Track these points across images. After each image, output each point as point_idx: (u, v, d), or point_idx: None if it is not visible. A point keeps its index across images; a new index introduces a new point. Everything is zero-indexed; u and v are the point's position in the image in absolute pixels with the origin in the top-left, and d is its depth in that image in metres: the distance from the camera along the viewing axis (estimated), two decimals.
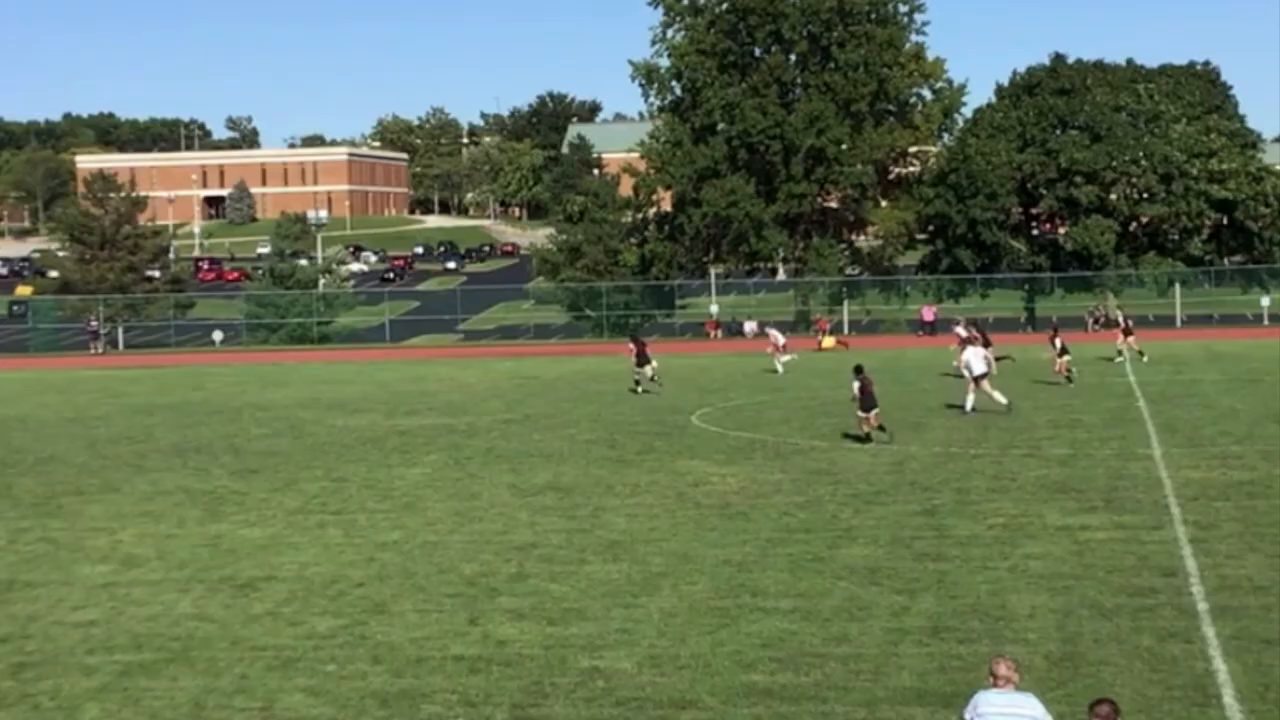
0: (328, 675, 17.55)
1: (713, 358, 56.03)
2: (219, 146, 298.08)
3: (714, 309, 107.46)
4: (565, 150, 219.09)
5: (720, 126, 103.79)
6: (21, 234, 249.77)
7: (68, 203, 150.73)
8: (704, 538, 25.13)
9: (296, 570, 23.39)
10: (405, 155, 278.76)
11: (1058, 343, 52.12)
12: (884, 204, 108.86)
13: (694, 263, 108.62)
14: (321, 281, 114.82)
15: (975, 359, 43.27)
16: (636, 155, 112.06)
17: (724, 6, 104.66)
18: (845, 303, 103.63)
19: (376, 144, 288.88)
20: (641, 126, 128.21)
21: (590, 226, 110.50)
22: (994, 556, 22.99)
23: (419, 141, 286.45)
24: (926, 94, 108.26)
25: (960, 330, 57.77)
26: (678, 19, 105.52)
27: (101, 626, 20.13)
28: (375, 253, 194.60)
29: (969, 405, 42.39)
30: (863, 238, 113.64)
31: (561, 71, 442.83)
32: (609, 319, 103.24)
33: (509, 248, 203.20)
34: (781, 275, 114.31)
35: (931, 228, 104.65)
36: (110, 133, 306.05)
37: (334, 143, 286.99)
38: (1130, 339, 61.01)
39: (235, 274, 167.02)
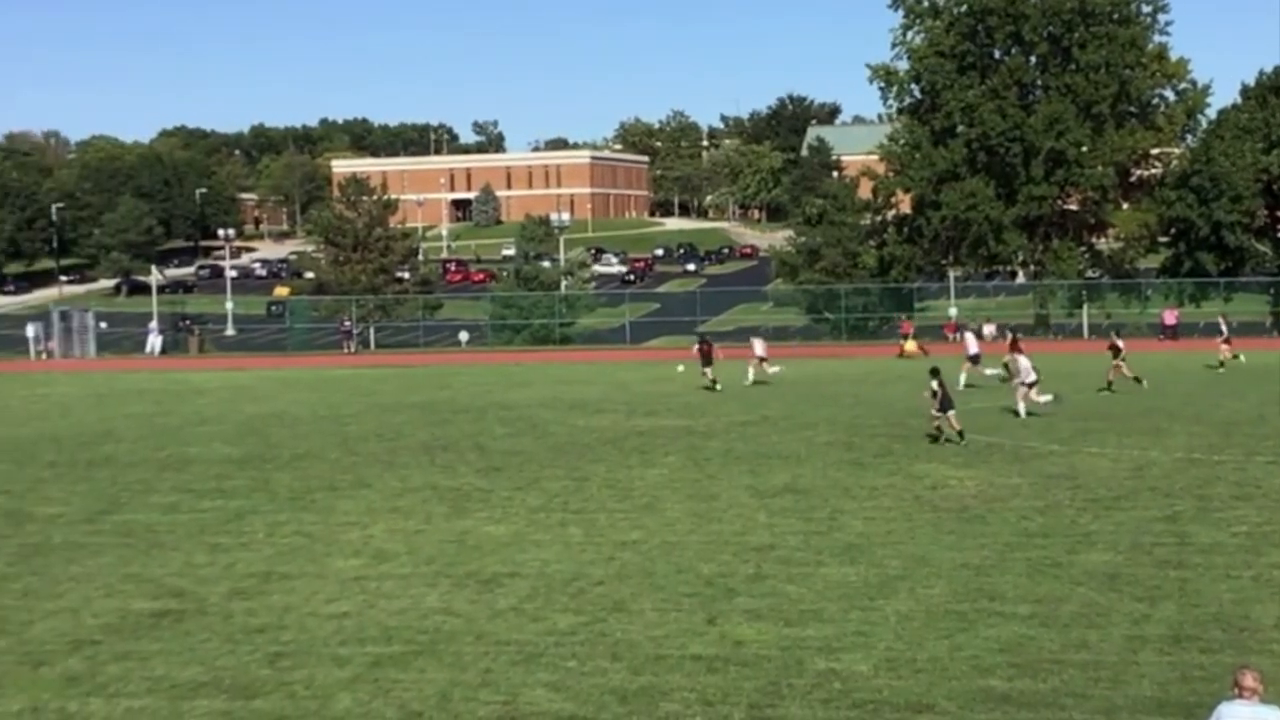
0: (569, 671, 17.76)
1: (954, 360, 55.37)
2: (466, 150, 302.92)
3: (953, 312, 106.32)
4: (804, 152, 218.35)
5: (960, 129, 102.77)
6: (280, 236, 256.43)
7: (323, 206, 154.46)
8: (941, 541, 24.92)
9: (538, 567, 23.69)
10: (646, 158, 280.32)
11: None
12: (1125, 206, 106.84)
13: (933, 265, 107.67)
14: (564, 283, 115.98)
15: (1025, 367, 44.35)
16: (875, 158, 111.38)
17: (963, 8, 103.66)
18: (1085, 306, 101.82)
19: (618, 147, 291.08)
20: (880, 129, 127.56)
21: (829, 229, 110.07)
22: (1237, 565, 22.46)
23: (659, 144, 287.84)
24: (1169, 95, 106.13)
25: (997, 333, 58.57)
26: (917, 21, 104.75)
27: (353, 619, 20.59)
28: (616, 255, 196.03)
29: (1023, 411, 43.50)
30: (1103, 240, 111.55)
31: (801, 74, 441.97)
32: (847, 321, 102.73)
33: (748, 250, 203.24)
34: (1021, 278, 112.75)
35: (1173, 230, 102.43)
36: (364, 138, 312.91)
37: (576, 146, 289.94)
38: None
39: (481, 275, 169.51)
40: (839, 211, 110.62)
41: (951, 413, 37.87)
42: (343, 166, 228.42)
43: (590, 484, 32.63)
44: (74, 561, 24.93)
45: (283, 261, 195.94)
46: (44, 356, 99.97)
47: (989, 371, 54.85)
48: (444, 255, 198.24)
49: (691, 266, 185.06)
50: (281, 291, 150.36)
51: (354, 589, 22.46)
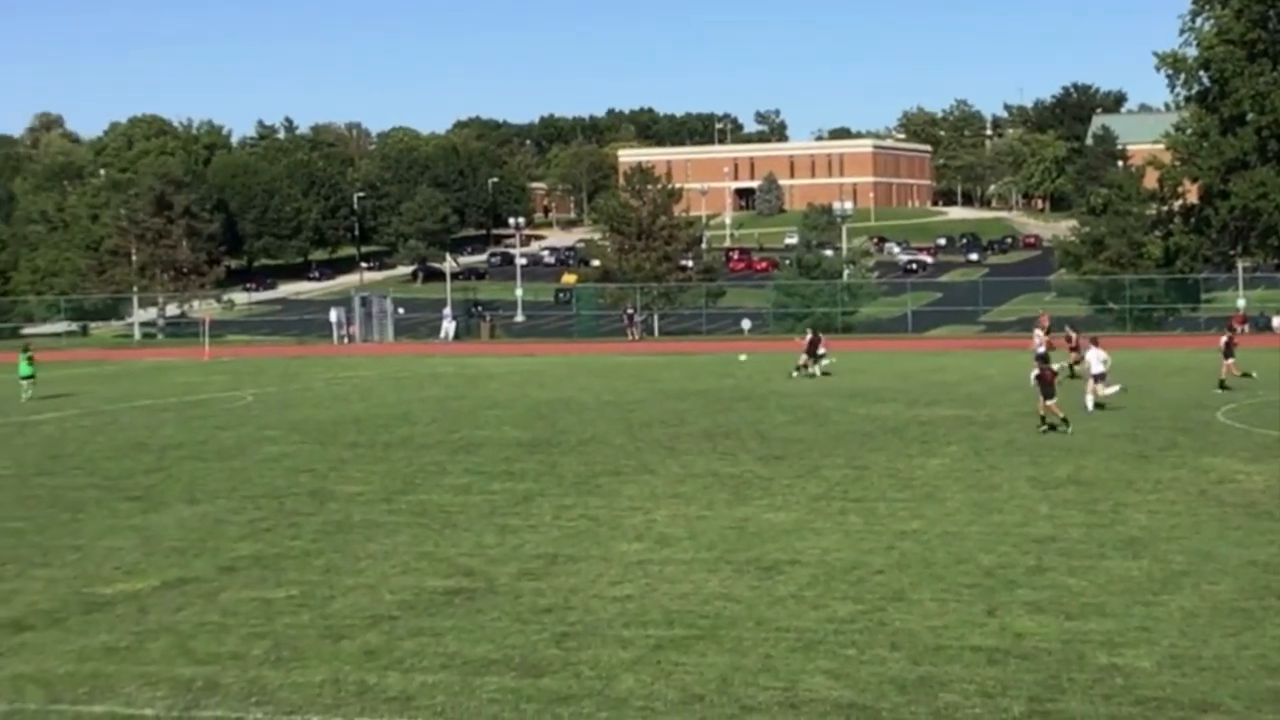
0: (848, 659, 17.70)
1: (1240, 353, 53.75)
2: (749, 140, 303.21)
3: (1241, 303, 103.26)
4: (1089, 141, 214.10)
5: (1250, 117, 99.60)
6: (568, 224, 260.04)
7: (609, 195, 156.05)
8: (1228, 537, 24.24)
9: (818, 555, 23.64)
10: (928, 147, 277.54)
11: None
12: None
13: (1220, 256, 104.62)
14: (846, 272, 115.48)
15: (1095, 360, 44.77)
16: (1161, 146, 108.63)
17: None
18: None
19: (901, 136, 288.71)
20: (1167, 117, 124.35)
21: (1114, 219, 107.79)
22: None
23: (942, 133, 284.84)
24: None
25: (1070, 333, 58.02)
26: (1206, 8, 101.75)
27: (636, 601, 20.79)
28: (898, 244, 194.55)
29: (1090, 405, 43.44)
30: None
31: (1086, 62, 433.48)
32: (1132, 312, 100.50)
33: (1031, 239, 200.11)
34: None
35: None
36: (649, 128, 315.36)
37: (859, 135, 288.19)
38: None
39: (764, 264, 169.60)
40: (1124, 201, 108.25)
41: (1054, 400, 38.88)
42: (629, 156, 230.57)
43: (871, 473, 32.47)
44: (372, 539, 25.64)
45: (570, 249, 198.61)
46: (346, 341, 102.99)
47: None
48: (726, 244, 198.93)
49: (974, 256, 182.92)
50: (569, 279, 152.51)
51: (637, 572, 22.68)
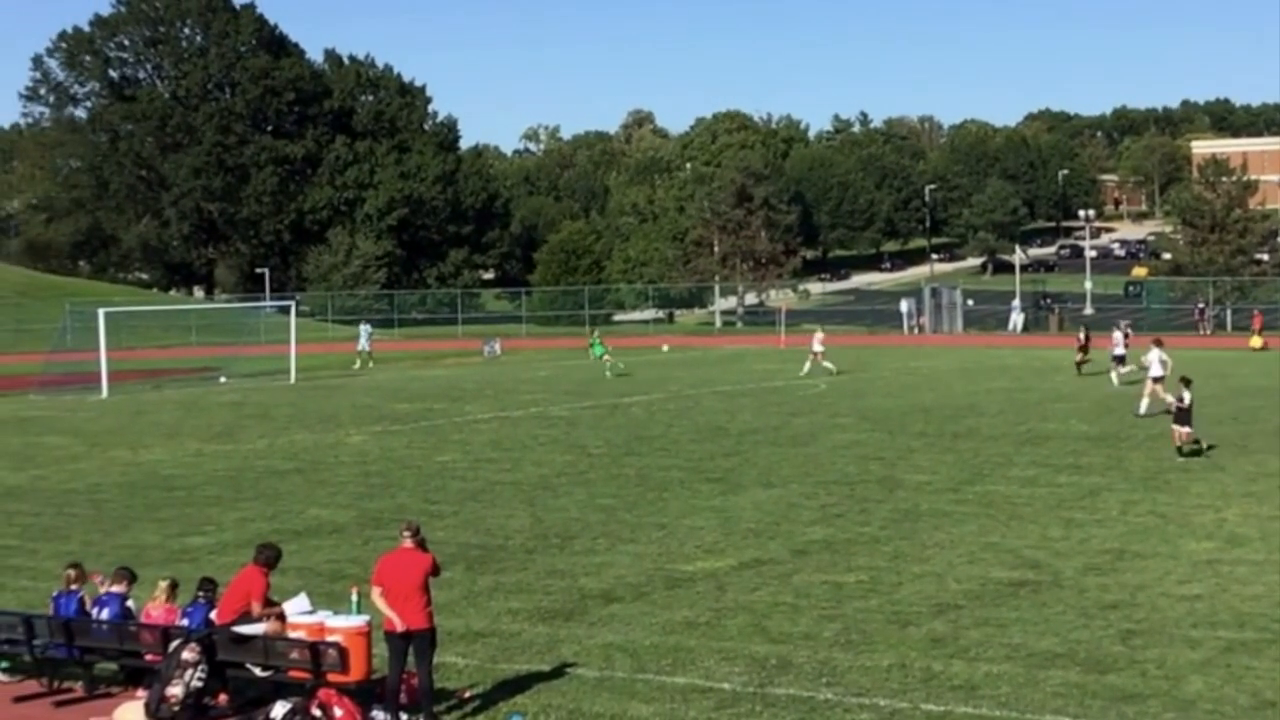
0: None
1: None
2: None
3: None
4: None
5: None
6: (1138, 217, 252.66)
7: (1181, 187, 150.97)
8: None
9: None
10: None
11: None
12: None
13: None
14: None
15: (1155, 362, 42.19)
16: None
17: None
18: None
19: None
20: None
21: None
22: None
23: None
24: None
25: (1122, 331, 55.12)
26: None
27: (1205, 601, 20.09)
28: None
29: (1143, 409, 41.43)
30: None
31: None
32: None
33: None
34: None
35: None
36: (1225, 118, 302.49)
37: None
38: None
39: None
40: None
41: (1186, 429, 33.98)
42: (1203, 147, 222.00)
43: None
44: (939, 528, 25.63)
45: (1141, 242, 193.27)
46: (915, 331, 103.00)
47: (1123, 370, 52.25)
48: None
49: None
50: (1139, 272, 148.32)
51: (1206, 572, 21.90)
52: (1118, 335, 56.39)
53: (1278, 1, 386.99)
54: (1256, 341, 79.55)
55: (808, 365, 60.56)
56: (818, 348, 61.08)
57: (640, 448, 37.63)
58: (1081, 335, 61.40)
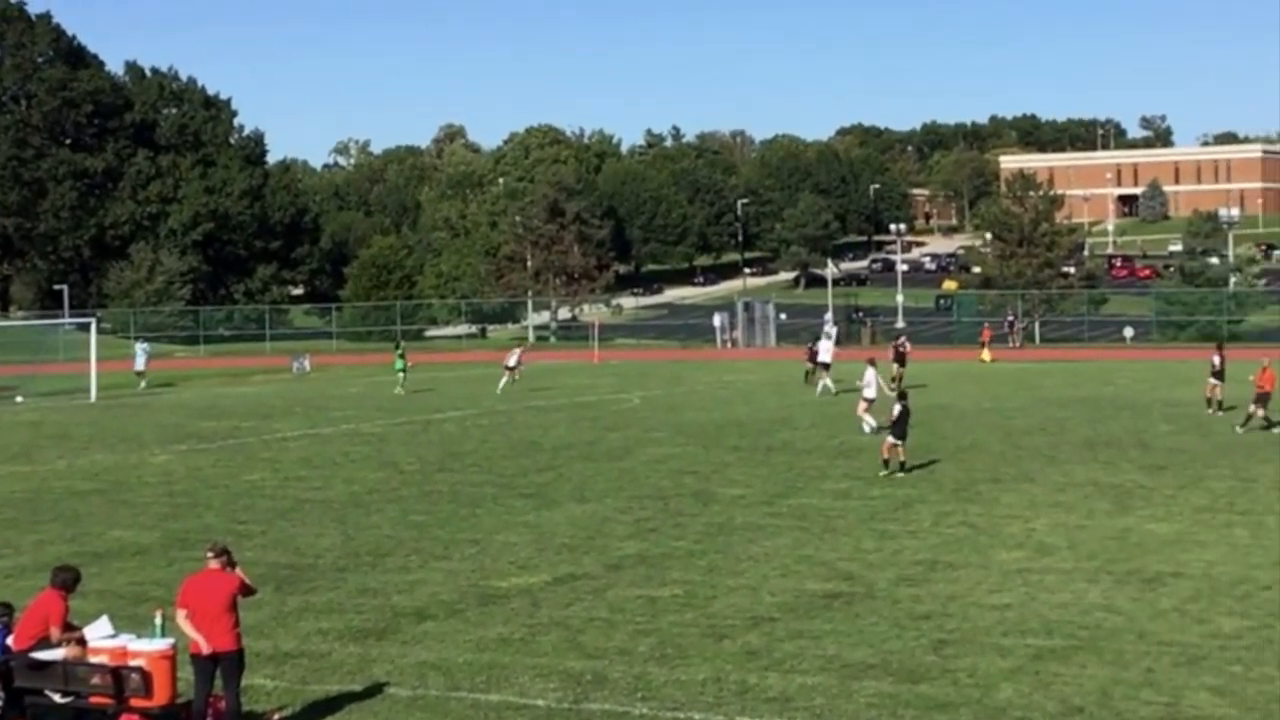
0: (1234, 676, 17.11)
1: None
2: (1133, 145, 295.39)
3: None
4: None
5: None
6: (949, 231, 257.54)
7: (991, 201, 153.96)
8: None
9: (1202, 568, 22.92)
10: None
11: None
12: None
13: None
14: (1233, 280, 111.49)
15: (870, 383, 42.31)
16: None
17: None
18: None
19: None
20: None
21: None
22: None
23: None
24: None
25: None
26: None
27: (1015, 610, 20.48)
28: None
29: (866, 429, 41.12)
30: None
31: None
32: None
33: None
34: None
35: None
36: (1031, 134, 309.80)
37: (1247, 140, 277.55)
38: None
39: (1147, 271, 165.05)
40: None
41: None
42: (1010, 162, 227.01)
43: (1258, 485, 31.32)
44: (754, 541, 25.82)
45: (951, 256, 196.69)
46: (729, 345, 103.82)
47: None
48: (1109, 251, 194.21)
49: None
50: (949, 285, 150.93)
51: (1016, 581, 22.34)
52: (826, 344, 60.03)
53: (1081, 19, 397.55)
54: (986, 355, 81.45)
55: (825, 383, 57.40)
56: (825, 359, 58.57)
57: (453, 464, 37.45)
58: (812, 346, 62.91)
